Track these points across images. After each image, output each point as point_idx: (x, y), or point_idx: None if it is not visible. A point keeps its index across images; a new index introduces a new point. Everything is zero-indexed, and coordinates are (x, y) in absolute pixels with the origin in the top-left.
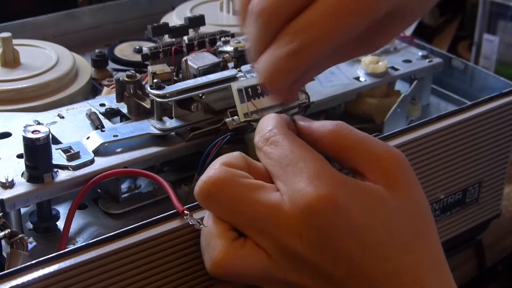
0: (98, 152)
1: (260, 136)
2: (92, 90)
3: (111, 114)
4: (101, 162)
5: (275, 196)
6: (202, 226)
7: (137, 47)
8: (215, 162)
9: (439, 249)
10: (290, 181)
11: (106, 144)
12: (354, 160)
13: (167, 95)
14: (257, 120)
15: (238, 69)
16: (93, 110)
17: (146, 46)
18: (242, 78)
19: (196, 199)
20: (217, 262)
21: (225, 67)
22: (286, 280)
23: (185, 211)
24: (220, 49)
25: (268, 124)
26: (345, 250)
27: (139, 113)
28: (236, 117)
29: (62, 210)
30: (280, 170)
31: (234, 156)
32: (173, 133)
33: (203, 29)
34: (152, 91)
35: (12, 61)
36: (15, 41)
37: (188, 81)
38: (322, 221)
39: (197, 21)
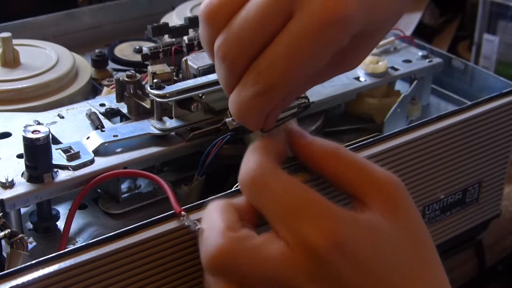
0: (98, 152)
1: (244, 177)
2: (92, 90)
3: (111, 114)
4: (101, 162)
5: (280, 246)
6: (198, 227)
7: (137, 47)
8: (215, 227)
9: (442, 272)
10: (290, 228)
11: (106, 144)
12: (353, 184)
13: (167, 95)
14: None
15: None
16: (93, 110)
17: (146, 46)
18: None
19: (205, 269)
20: None
21: None
22: None
23: (182, 212)
24: None
25: (251, 162)
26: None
27: (139, 113)
28: None
29: (62, 210)
30: (276, 216)
31: (227, 213)
32: (173, 133)
33: None
34: (152, 91)
35: (12, 61)
36: (15, 41)
37: (188, 81)
38: (328, 263)
39: (197, 21)
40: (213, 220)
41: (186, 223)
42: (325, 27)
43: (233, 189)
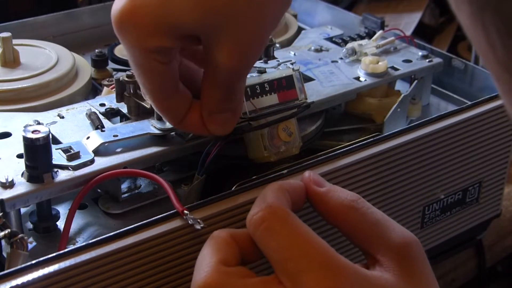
0: (98, 152)
1: (255, 213)
2: (92, 90)
3: (111, 114)
4: (101, 162)
5: None
6: (201, 225)
7: None
8: (207, 259)
9: None
10: (291, 276)
11: (106, 144)
12: (368, 242)
13: None
14: (255, 119)
15: None
16: (93, 110)
17: None
18: None
19: None
20: None
21: None
22: None
23: (185, 211)
24: None
25: (265, 200)
26: None
27: (139, 113)
28: None
29: (62, 210)
30: (278, 261)
31: (225, 245)
32: (173, 133)
33: None
34: None
35: (12, 61)
36: (15, 41)
37: None
38: None
39: None
40: (208, 251)
41: (190, 221)
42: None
43: (233, 189)
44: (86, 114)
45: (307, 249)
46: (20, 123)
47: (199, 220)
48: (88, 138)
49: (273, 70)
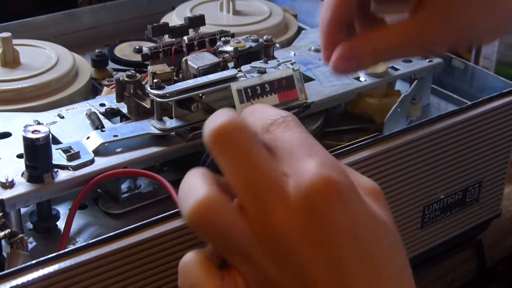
0: (98, 152)
1: (270, 118)
2: (92, 90)
3: (111, 114)
4: (101, 162)
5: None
6: None
7: (137, 47)
8: (199, 183)
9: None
10: (300, 162)
11: (106, 144)
12: None
13: (167, 95)
14: None
15: (238, 69)
16: (93, 110)
17: (146, 46)
18: (242, 78)
19: (190, 226)
20: None
21: (225, 67)
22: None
23: None
24: (220, 49)
25: (273, 109)
26: (339, 248)
27: (139, 113)
28: None
29: (62, 210)
30: (292, 152)
31: (209, 177)
32: (173, 133)
33: (203, 29)
34: (152, 91)
35: (12, 61)
36: (15, 41)
37: (188, 81)
38: (323, 206)
39: (197, 21)
40: (195, 180)
41: None
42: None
43: None
44: (86, 114)
45: (318, 146)
46: (20, 123)
47: None
48: (88, 138)
49: (273, 70)
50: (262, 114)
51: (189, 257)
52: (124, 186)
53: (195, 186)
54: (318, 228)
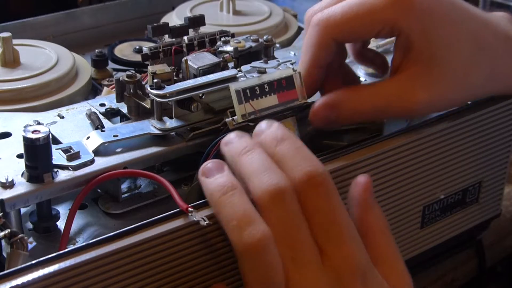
0: (98, 152)
1: (305, 172)
2: (92, 90)
3: (111, 114)
4: (101, 162)
5: None
6: (206, 222)
7: (137, 47)
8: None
9: None
10: (335, 244)
11: (106, 144)
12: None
13: (167, 95)
14: (255, 121)
15: (238, 69)
16: (93, 110)
17: (146, 46)
18: (242, 78)
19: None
20: None
21: (225, 67)
22: None
23: (189, 208)
24: (220, 49)
25: (310, 158)
26: None
27: (139, 113)
28: (236, 117)
29: (62, 210)
30: (328, 229)
31: None
32: (173, 133)
33: (203, 29)
34: (152, 91)
35: (12, 61)
36: (15, 41)
37: (188, 81)
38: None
39: (197, 21)
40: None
41: (195, 218)
42: None
43: None
44: (86, 114)
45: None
46: (20, 123)
47: (203, 217)
48: (88, 138)
49: (273, 70)
50: (298, 164)
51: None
52: (124, 186)
53: (251, 216)
54: None
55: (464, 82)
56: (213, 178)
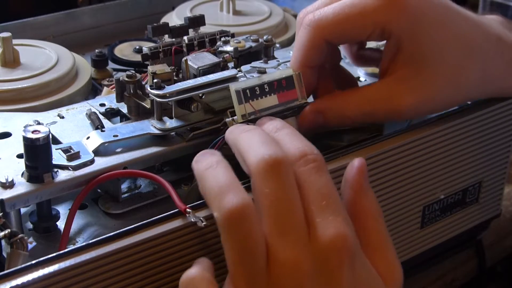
0: (98, 152)
1: (299, 151)
2: (92, 90)
3: (111, 114)
4: (101, 162)
5: None
6: (204, 223)
7: (137, 47)
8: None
9: None
10: (327, 214)
11: (106, 144)
12: (370, 243)
13: (167, 95)
14: (255, 121)
15: (238, 69)
16: (93, 110)
17: (146, 46)
18: (242, 78)
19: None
20: None
21: (225, 67)
22: None
23: (187, 209)
24: (220, 49)
25: (302, 141)
26: None
27: (139, 113)
28: (236, 117)
29: (62, 210)
30: (321, 200)
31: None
32: (173, 133)
33: (203, 29)
34: (152, 91)
35: (12, 61)
36: (15, 41)
37: (188, 81)
38: (336, 259)
39: (197, 21)
40: (229, 176)
41: (192, 219)
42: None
43: None
44: (86, 114)
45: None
46: (20, 123)
47: (201, 218)
48: (88, 138)
49: (273, 70)
50: (294, 144)
51: (195, 273)
52: (124, 186)
53: (232, 185)
54: (327, 275)
55: (454, 84)
56: (203, 159)
